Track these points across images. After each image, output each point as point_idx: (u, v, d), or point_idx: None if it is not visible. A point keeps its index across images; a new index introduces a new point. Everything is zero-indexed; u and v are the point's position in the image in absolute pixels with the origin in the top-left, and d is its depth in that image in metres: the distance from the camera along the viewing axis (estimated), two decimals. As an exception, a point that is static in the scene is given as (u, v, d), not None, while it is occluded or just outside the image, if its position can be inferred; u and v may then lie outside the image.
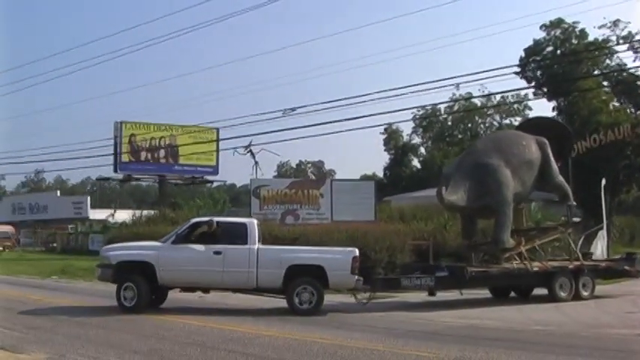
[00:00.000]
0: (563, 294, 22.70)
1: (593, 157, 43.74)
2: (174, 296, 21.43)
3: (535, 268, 22.91)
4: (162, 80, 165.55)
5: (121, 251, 20.74)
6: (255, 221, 21.27)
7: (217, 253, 19.60)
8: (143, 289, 19.39)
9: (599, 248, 29.86)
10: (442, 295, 22.96)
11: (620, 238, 57.41)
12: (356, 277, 19.76)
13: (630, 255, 26.95)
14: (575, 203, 26.34)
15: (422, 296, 22.90)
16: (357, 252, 20.16)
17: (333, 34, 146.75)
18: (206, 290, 20.82)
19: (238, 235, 20.00)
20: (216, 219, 21.13)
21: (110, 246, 23.13)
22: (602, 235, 30.61)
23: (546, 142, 24.17)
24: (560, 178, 24.99)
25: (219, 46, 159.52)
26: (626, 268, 25.17)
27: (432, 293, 22.47)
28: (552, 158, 24.24)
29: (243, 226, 20.39)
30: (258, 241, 20.49)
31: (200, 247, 19.80)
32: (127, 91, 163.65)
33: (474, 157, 23.66)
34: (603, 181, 32.27)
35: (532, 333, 16.59)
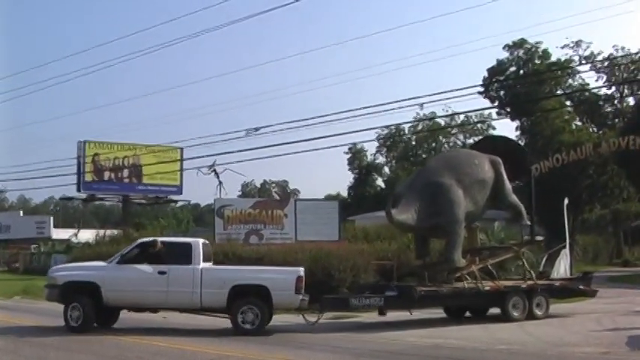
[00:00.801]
0: (516, 314, 22.48)
1: (555, 177, 44.01)
2: (137, 316, 21.31)
3: (487, 288, 22.66)
4: (125, 100, 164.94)
5: (68, 272, 20.89)
6: (201, 241, 21.17)
7: (162, 273, 19.64)
8: (88, 309, 19.40)
9: (562, 267, 29.86)
10: (403, 315, 22.84)
11: (583, 257, 57.79)
12: (301, 296, 19.66)
13: (586, 274, 27.15)
14: (529, 222, 26.26)
15: (375, 316, 22.83)
16: (301, 272, 20.07)
17: (297, 54, 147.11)
18: (154, 310, 20.79)
19: (183, 255, 20.01)
20: (160, 239, 21.39)
21: (58, 267, 23.55)
22: (565, 253, 30.62)
23: (500, 161, 24.07)
24: (514, 197, 24.85)
25: (182, 65, 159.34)
26: (581, 287, 25.20)
27: (382, 313, 22.35)
28: (505, 177, 24.12)
29: (188, 246, 20.44)
30: (207, 260, 20.68)
31: (145, 267, 19.82)
32: (91, 111, 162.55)
33: (425, 176, 23.55)
34: (566, 200, 32.34)
35: (497, 352, 16.61)
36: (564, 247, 30.62)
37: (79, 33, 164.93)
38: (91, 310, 19.46)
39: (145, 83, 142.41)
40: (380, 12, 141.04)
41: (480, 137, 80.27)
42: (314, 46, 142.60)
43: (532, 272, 24.51)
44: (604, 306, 26.87)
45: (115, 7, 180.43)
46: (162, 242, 20.85)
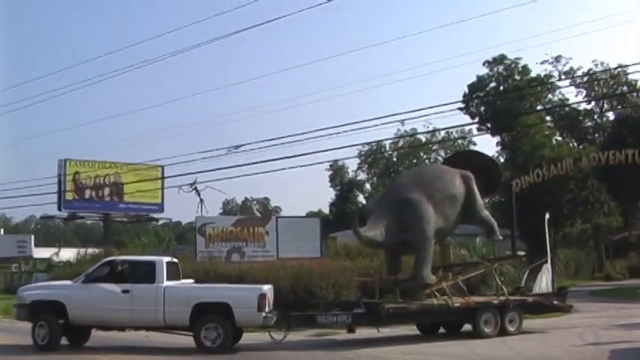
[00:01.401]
0: (487, 330, 22.31)
1: (536, 192, 44.12)
2: (120, 335, 21.35)
3: (457, 304, 22.48)
4: (106, 118, 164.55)
5: (35, 291, 21.26)
6: (166, 259, 21.30)
7: (125, 291, 19.81)
8: (54, 327, 19.66)
9: (544, 282, 29.95)
10: (377, 332, 22.79)
11: (565, 271, 57.95)
12: (263, 314, 19.59)
13: (561, 289, 26.99)
14: (501, 238, 26.21)
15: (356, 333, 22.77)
16: (264, 289, 20.05)
17: (277, 72, 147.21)
18: (121, 329, 20.91)
19: (147, 273, 20.13)
20: (124, 258, 21.94)
21: (27, 286, 24.09)
22: (547, 268, 30.71)
23: (471, 176, 23.83)
24: (486, 213, 24.67)
25: (162, 83, 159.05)
26: (556, 302, 25.03)
27: (351, 330, 22.28)
28: (477, 192, 23.87)
29: (152, 264, 20.51)
30: (176, 278, 20.93)
31: (109, 286, 19.98)
32: (71, 129, 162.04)
33: (395, 192, 23.48)
34: (547, 215, 32.49)
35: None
36: (546, 261, 30.70)
37: (58, 52, 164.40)
38: (57, 328, 19.75)
39: (124, 101, 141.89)
40: (360, 29, 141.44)
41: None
42: (295, 63, 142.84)
43: (504, 288, 24.30)
44: (586, 320, 26.94)
45: (92, 26, 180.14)
46: (127, 261, 21.20)
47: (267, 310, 19.74)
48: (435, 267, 23.67)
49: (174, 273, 21.03)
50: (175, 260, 22.27)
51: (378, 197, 24.52)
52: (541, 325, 24.74)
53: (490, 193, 26.59)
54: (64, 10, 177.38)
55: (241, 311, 19.44)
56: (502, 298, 23.51)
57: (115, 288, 19.87)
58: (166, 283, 20.00)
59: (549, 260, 31.55)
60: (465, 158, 27.27)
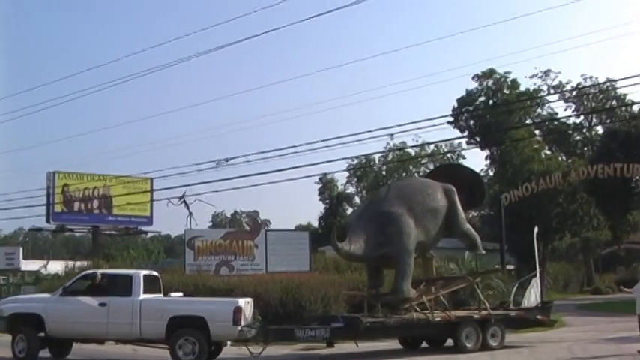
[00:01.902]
0: (469, 344, 22.23)
1: (525, 206, 44.25)
2: (106, 348, 21.35)
3: (437, 319, 22.38)
4: (95, 130, 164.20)
5: (15, 304, 21.40)
6: (143, 273, 21.40)
7: (102, 304, 19.89)
8: (32, 340, 19.90)
9: (533, 295, 29.98)
10: (364, 346, 22.76)
11: (554, 285, 58.06)
12: (239, 327, 19.51)
13: (545, 303, 26.88)
14: (484, 252, 26.16)
15: (343, 347, 22.71)
16: (239, 302, 19.97)
17: (267, 85, 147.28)
18: (100, 342, 21.08)
19: (123, 286, 20.23)
20: (101, 271, 22.00)
21: (7, 299, 24.04)
22: (536, 282, 30.75)
23: (453, 189, 23.81)
24: (468, 226, 24.66)
25: (151, 96, 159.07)
26: (539, 317, 24.88)
27: (330, 345, 22.23)
28: (459, 206, 23.84)
29: (129, 277, 20.62)
30: (156, 292, 21.05)
31: (86, 299, 20.10)
32: (60, 141, 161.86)
33: (376, 206, 23.43)
34: (536, 229, 32.52)
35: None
36: (535, 275, 30.73)
37: (47, 64, 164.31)
38: (35, 341, 19.99)
39: (114, 114, 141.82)
40: (350, 43, 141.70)
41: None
42: (283, 77, 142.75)
43: (486, 302, 24.19)
44: (574, 334, 27.00)
45: (81, 40, 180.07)
46: (104, 274, 21.27)
47: (243, 323, 19.65)
48: (418, 281, 23.66)
49: (153, 286, 21.13)
50: (155, 274, 22.39)
51: (359, 210, 24.45)
52: (530, 339, 24.79)
53: (473, 206, 26.60)
54: (55, 23, 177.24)
55: (217, 325, 19.44)
56: (484, 312, 23.47)
57: (92, 301, 19.99)
58: (143, 296, 20.05)
59: (538, 274, 31.59)
60: (448, 172, 27.24)
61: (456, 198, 23.74)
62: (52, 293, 21.39)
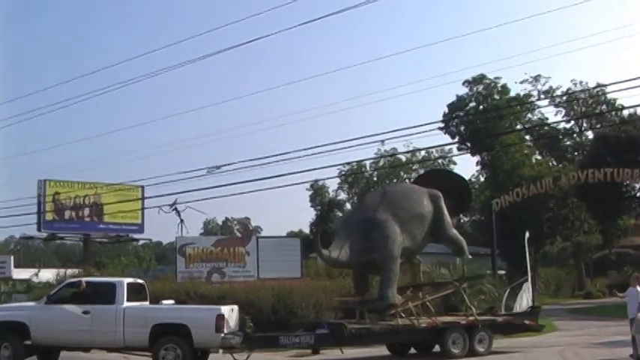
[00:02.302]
0: (455, 350, 22.10)
1: (516, 211, 44.33)
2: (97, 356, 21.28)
3: (423, 325, 22.26)
4: (86, 138, 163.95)
5: (0, 312, 21.50)
6: (127, 280, 21.38)
7: (86, 312, 19.90)
8: (18, 348, 19.90)
9: (525, 300, 30.05)
10: (355, 353, 22.80)
11: (545, 290, 58.15)
12: (222, 335, 19.45)
13: (534, 309, 26.76)
14: (470, 257, 26.05)
15: (338, 354, 22.62)
16: (222, 310, 19.91)
17: (258, 92, 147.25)
18: (85, 350, 21.05)
19: (107, 294, 20.21)
20: (86, 279, 21.99)
21: None
22: (528, 287, 30.85)
23: (439, 195, 23.71)
24: (454, 232, 24.48)
25: (141, 103, 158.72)
26: (527, 322, 24.72)
27: (315, 352, 22.13)
28: (445, 211, 23.73)
29: (112, 285, 20.60)
30: (142, 299, 21.11)
31: (70, 307, 20.11)
32: (51, 149, 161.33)
33: (361, 212, 23.52)
34: (527, 234, 32.63)
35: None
36: (526, 280, 30.80)
37: (37, 72, 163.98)
38: (21, 349, 19.96)
39: (105, 121, 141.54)
40: (340, 50, 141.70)
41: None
42: (275, 83, 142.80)
43: (473, 308, 24.09)
44: (567, 339, 27.01)
45: (71, 46, 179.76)
46: (88, 282, 21.24)
47: (225, 330, 19.60)
48: (405, 287, 23.60)
49: (139, 294, 21.17)
50: (140, 281, 22.46)
51: (345, 217, 24.38)
52: (522, 343, 24.78)
53: (460, 212, 26.58)
54: (44, 32, 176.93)
55: (199, 332, 19.39)
56: (470, 318, 23.33)
57: (75, 309, 20.00)
58: (126, 304, 20.04)
59: (530, 279, 31.67)
60: (435, 177, 27.11)
61: (442, 203, 23.68)
62: (38, 301, 21.49)
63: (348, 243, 21.83)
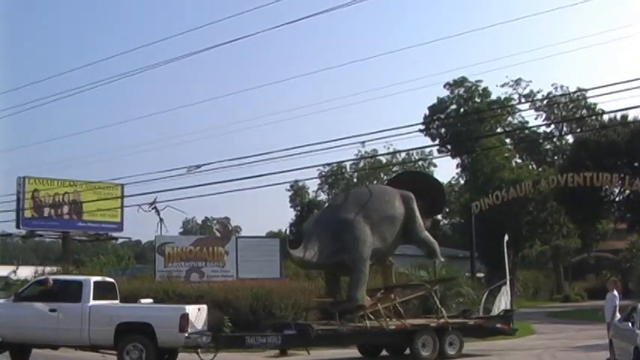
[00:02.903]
0: (425, 353, 22.07)
1: (496, 213, 44.45)
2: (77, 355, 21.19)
3: (392, 327, 22.13)
4: (65, 136, 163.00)
5: None
6: (94, 279, 21.36)
7: (52, 310, 19.93)
8: None
9: (503, 303, 30.08)
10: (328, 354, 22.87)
11: (524, 293, 58.37)
12: (186, 334, 19.45)
13: (507, 312, 26.70)
14: (443, 259, 26.06)
15: (319, 353, 22.60)
16: (186, 309, 19.90)
17: (238, 92, 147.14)
18: (54, 347, 21.02)
19: (73, 293, 20.24)
20: (53, 277, 22.24)
21: None
22: (506, 290, 30.88)
23: (412, 196, 23.66)
24: (426, 234, 24.28)
25: (122, 102, 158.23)
26: (499, 325, 24.70)
27: (283, 353, 22.08)
28: (418, 213, 23.64)
29: (79, 284, 20.65)
30: (111, 298, 21.19)
31: (38, 305, 20.16)
32: (30, 146, 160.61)
33: (332, 212, 23.52)
34: (506, 237, 32.68)
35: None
36: (505, 283, 30.84)
37: (17, 69, 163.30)
38: None
39: (84, 119, 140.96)
40: (321, 50, 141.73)
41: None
42: (255, 84, 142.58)
43: (443, 310, 23.93)
44: (544, 342, 27.13)
45: (51, 44, 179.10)
46: (55, 280, 21.37)
47: (190, 330, 19.62)
48: (376, 289, 23.62)
49: (108, 293, 21.20)
50: (110, 280, 22.53)
51: (316, 217, 24.18)
52: (499, 346, 24.87)
53: (434, 214, 26.45)
54: (27, 29, 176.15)
55: (163, 331, 19.40)
56: (441, 320, 23.26)
57: (43, 307, 20.03)
58: (92, 302, 20.06)
59: (508, 282, 31.72)
60: (408, 179, 27.00)
61: (415, 205, 23.63)
62: (6, 299, 21.71)
63: (317, 244, 21.81)
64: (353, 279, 22.04)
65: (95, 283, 20.76)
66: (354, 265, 21.84)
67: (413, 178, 28.20)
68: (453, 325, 23.06)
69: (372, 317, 22.22)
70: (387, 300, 23.08)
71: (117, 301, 21.48)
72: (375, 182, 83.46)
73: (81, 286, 20.27)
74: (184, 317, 19.48)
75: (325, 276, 24.38)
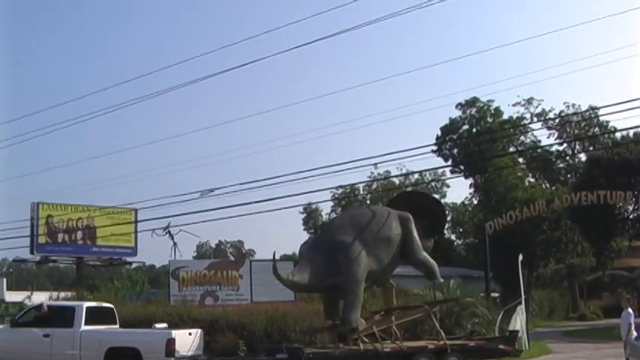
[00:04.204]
0: None
1: (510, 233, 44.34)
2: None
3: (387, 350, 21.72)
4: (79, 161, 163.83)
5: None
6: (86, 305, 21.86)
7: (46, 335, 20.51)
8: None
9: (519, 323, 29.96)
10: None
11: (539, 312, 58.05)
12: (172, 359, 19.69)
13: (512, 333, 26.27)
14: (442, 280, 25.58)
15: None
16: (172, 334, 20.17)
17: (251, 115, 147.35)
18: None
19: (66, 318, 20.79)
20: (47, 303, 23.12)
21: None
22: (521, 309, 30.75)
23: (409, 217, 23.27)
24: (424, 255, 23.66)
25: (135, 127, 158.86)
26: (502, 347, 23.99)
27: None
28: (415, 234, 23.19)
29: (72, 309, 21.20)
30: (111, 323, 21.79)
31: (33, 330, 20.78)
32: (44, 172, 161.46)
33: (328, 234, 23.23)
34: (520, 257, 32.56)
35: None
36: (520, 303, 30.70)
37: (29, 95, 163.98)
38: None
39: (98, 145, 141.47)
40: (333, 73, 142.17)
41: (438, 196, 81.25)
42: (268, 107, 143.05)
43: (441, 332, 23.43)
44: (560, 362, 26.96)
45: (66, 68, 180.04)
46: (49, 306, 22.14)
47: (178, 355, 19.85)
48: (376, 311, 23.50)
49: (105, 318, 21.74)
50: (107, 305, 23.05)
51: (311, 240, 23.87)
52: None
53: (434, 234, 25.97)
54: (39, 53, 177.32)
55: (150, 356, 19.74)
56: (439, 342, 22.91)
57: (37, 332, 20.60)
58: (83, 327, 20.50)
59: (523, 301, 31.58)
60: (408, 199, 26.58)
61: (412, 226, 23.23)
62: (5, 324, 22.25)
63: (310, 266, 21.56)
64: (347, 301, 21.64)
65: (88, 308, 21.30)
66: (347, 288, 21.50)
67: (412, 198, 27.88)
68: (452, 347, 22.61)
69: (366, 340, 21.91)
70: (383, 322, 22.68)
71: (116, 327, 21.96)
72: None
73: (74, 312, 20.81)
74: (170, 342, 19.82)
75: (323, 299, 24.00)
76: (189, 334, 20.90)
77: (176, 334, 20.23)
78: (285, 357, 21.27)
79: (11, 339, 20.88)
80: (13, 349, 20.66)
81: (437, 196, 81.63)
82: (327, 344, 23.57)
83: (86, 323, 20.74)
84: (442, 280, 25.36)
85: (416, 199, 27.12)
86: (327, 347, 22.21)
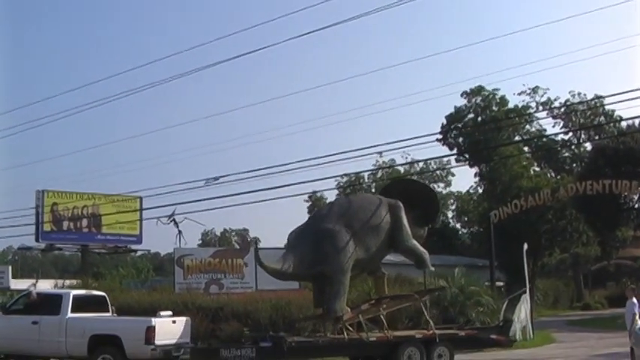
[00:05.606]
0: None
1: (515, 222, 44.28)
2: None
3: (372, 339, 21.70)
4: (84, 149, 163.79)
5: None
6: (73, 292, 22.22)
7: (35, 323, 20.90)
8: None
9: (523, 312, 30.02)
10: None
11: (543, 301, 58.08)
12: (151, 347, 19.87)
13: (506, 322, 26.26)
14: (433, 269, 25.36)
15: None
16: (152, 322, 20.29)
17: (256, 104, 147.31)
18: (45, 358, 21.66)
19: (54, 305, 21.08)
20: (35, 291, 23.77)
21: None
22: (526, 298, 30.79)
23: (399, 205, 22.97)
24: (413, 242, 23.30)
25: (140, 115, 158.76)
26: (494, 337, 23.96)
27: None
28: (405, 222, 22.91)
29: (59, 297, 21.53)
30: (102, 311, 21.99)
31: (22, 318, 21.23)
32: (49, 160, 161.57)
33: (315, 222, 23.08)
34: (525, 246, 32.59)
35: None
36: (524, 292, 30.74)
37: (35, 83, 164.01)
38: None
39: (103, 132, 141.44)
40: (338, 62, 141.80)
41: (443, 185, 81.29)
42: (272, 95, 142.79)
43: (431, 321, 23.23)
44: (565, 350, 27.03)
45: (71, 56, 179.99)
46: (38, 294, 22.73)
47: (158, 342, 20.00)
48: (366, 300, 23.49)
49: (98, 306, 22.03)
50: (99, 293, 23.38)
51: (299, 228, 23.74)
52: (519, 355, 24.77)
53: (428, 222, 25.77)
54: (42, 41, 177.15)
55: (130, 343, 20.01)
56: (427, 331, 22.81)
57: (26, 319, 20.98)
58: (70, 315, 20.78)
59: (528, 290, 31.61)
60: (401, 187, 26.46)
61: (402, 213, 22.96)
62: None
63: (296, 254, 21.51)
64: (332, 290, 21.46)
65: (75, 296, 21.59)
66: (333, 277, 21.40)
67: (405, 186, 27.75)
68: (441, 337, 22.39)
69: (350, 329, 21.90)
70: (371, 311, 22.47)
71: (108, 314, 22.18)
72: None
73: (60, 300, 21.12)
74: (150, 330, 19.98)
75: (313, 288, 23.68)
76: (174, 322, 21.10)
77: (156, 322, 20.36)
78: (268, 345, 21.22)
79: (2, 326, 21.31)
80: (3, 335, 21.13)
81: (442, 185, 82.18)
82: (314, 333, 23.47)
83: (74, 311, 21.01)
84: (433, 269, 25.07)
85: (409, 187, 27.02)
86: (315, 336, 22.21)
